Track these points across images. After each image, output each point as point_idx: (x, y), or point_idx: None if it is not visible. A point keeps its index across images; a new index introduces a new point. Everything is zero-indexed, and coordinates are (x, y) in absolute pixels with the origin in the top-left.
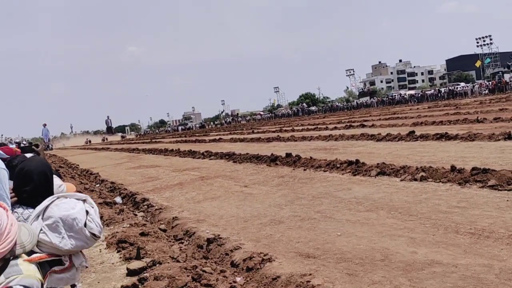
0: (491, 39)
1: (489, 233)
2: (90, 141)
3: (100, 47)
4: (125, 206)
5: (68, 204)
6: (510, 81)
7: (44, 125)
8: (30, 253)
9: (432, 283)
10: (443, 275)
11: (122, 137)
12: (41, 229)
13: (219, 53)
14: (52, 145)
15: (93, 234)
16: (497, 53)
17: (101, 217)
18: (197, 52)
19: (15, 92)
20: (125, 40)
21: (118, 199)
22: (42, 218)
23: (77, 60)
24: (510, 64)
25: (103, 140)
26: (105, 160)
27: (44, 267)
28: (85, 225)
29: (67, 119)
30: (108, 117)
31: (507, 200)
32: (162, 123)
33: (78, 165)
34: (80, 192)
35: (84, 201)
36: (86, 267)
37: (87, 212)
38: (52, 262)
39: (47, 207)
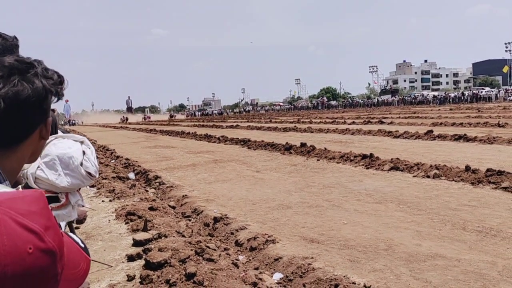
0: None
1: (496, 232)
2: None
3: (125, 27)
4: (137, 182)
5: (65, 143)
6: None
7: (66, 101)
8: (27, 188)
9: (433, 274)
10: (445, 268)
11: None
12: (38, 166)
13: (242, 41)
14: (75, 120)
15: (89, 173)
16: None
17: (113, 190)
18: (220, 39)
19: None
20: (151, 22)
21: (131, 175)
22: (40, 156)
23: (102, 40)
24: None
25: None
26: (122, 138)
27: None
28: (81, 164)
29: (89, 97)
30: (129, 97)
31: None
32: (182, 107)
33: (95, 141)
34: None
35: (81, 142)
36: (83, 205)
37: (84, 152)
38: (49, 199)
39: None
